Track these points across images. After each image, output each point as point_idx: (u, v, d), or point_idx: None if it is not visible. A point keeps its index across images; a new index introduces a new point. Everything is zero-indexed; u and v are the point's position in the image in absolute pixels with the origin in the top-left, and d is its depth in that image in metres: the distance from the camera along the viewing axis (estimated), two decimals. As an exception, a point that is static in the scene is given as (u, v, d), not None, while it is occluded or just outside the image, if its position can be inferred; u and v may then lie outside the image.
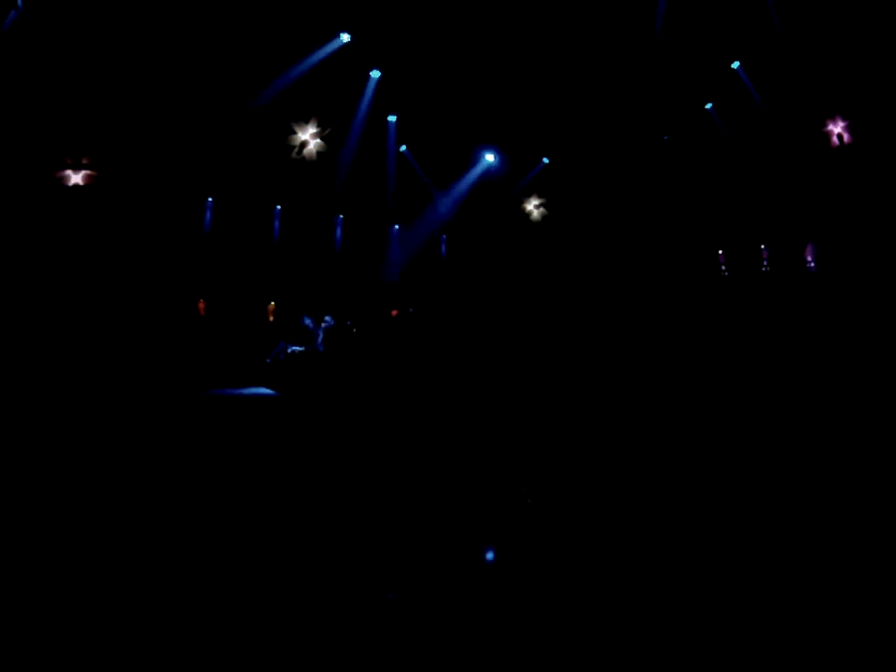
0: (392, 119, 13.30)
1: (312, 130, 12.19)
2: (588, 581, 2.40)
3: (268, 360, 10.51)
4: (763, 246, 11.28)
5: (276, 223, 13.79)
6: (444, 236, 15.09)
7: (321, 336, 10.53)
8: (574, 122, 12.63)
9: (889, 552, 2.59)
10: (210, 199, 12.98)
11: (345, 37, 11.18)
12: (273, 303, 11.78)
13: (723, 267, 12.25)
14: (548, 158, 13.87)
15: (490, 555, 2.71)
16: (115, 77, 10.44)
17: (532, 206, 14.27)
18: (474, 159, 13.94)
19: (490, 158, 13.86)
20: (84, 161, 10.90)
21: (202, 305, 11.20)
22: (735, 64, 10.95)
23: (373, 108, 12.66)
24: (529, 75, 11.67)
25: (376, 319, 11.83)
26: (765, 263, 10.93)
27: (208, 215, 13.02)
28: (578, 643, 1.93)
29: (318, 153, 12.39)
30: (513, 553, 2.72)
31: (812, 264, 7.68)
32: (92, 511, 3.31)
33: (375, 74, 12.07)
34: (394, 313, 11.25)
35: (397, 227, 14.36)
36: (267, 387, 9.99)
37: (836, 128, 10.17)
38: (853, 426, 5.16)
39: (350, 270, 13.64)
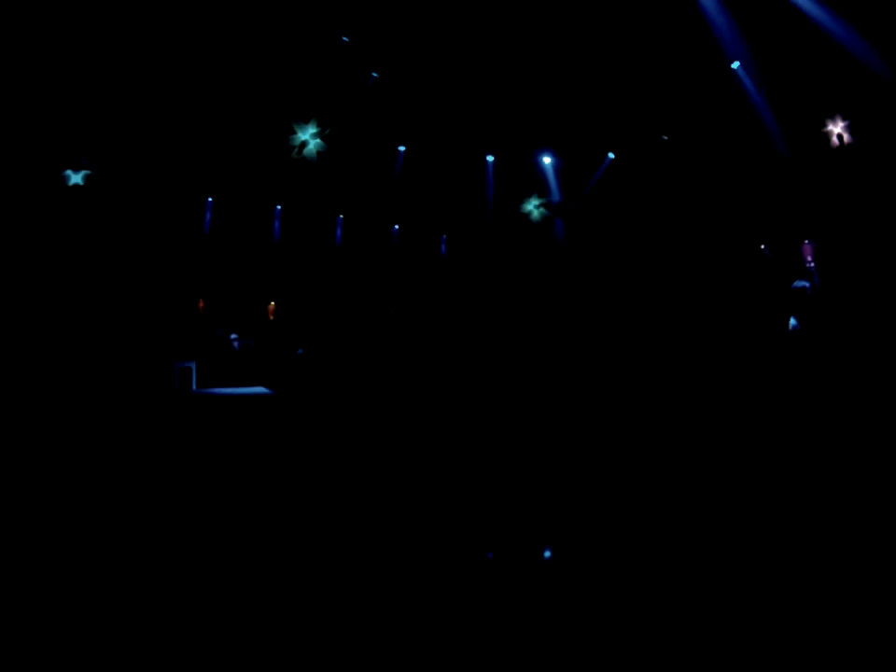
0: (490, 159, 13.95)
1: (312, 130, 12.16)
2: (588, 581, 2.40)
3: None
4: (762, 247, 11.27)
5: (276, 223, 13.80)
6: (444, 236, 15.08)
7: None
8: (571, 122, 12.61)
9: (888, 551, 2.59)
10: (210, 199, 12.98)
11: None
12: (273, 303, 11.79)
13: (723, 267, 12.24)
14: (550, 158, 13.85)
15: (490, 555, 2.71)
16: (115, 76, 10.43)
17: (532, 206, 14.24)
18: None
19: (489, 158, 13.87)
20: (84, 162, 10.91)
21: (202, 305, 11.21)
22: (735, 65, 10.91)
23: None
24: (528, 75, 11.65)
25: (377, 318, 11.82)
26: (766, 263, 10.94)
27: (208, 215, 13.03)
28: (578, 642, 1.93)
29: (319, 153, 12.36)
30: (513, 552, 2.72)
31: (812, 264, 7.68)
32: (88, 508, 3.32)
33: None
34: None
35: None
36: (264, 387, 10.01)
37: (836, 128, 10.16)
38: (853, 426, 5.16)
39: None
